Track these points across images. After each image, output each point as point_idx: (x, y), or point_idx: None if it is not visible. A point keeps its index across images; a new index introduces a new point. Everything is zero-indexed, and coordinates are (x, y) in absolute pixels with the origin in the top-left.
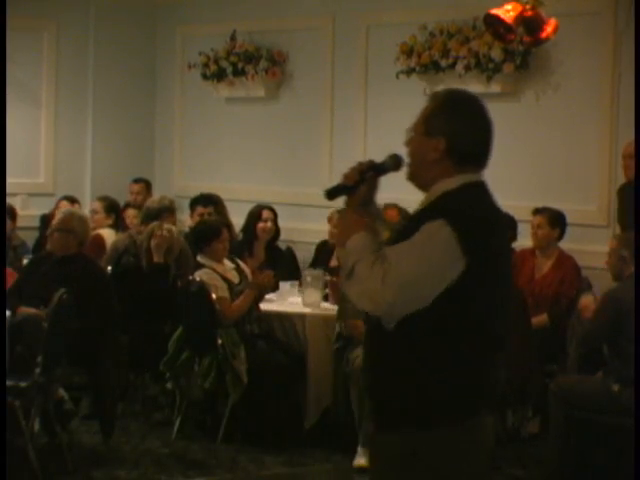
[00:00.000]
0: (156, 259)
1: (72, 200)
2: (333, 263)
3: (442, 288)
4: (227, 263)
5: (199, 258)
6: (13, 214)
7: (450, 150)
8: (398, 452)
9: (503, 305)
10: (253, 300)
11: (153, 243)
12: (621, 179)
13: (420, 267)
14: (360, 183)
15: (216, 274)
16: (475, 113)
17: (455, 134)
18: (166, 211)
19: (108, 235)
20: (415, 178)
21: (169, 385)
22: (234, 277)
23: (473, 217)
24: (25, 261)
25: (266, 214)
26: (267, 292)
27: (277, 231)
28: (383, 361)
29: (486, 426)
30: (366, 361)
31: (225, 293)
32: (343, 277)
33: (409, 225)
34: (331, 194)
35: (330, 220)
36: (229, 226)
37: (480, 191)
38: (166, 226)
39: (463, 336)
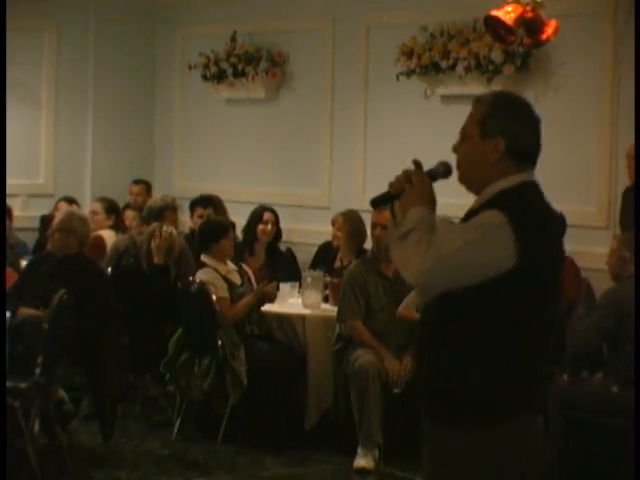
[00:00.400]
0: (156, 260)
1: (70, 201)
2: (337, 264)
3: (485, 276)
4: (230, 264)
5: (203, 257)
6: (10, 213)
7: (509, 150)
8: (459, 447)
9: (553, 304)
10: (252, 305)
11: (153, 244)
12: (622, 180)
13: (465, 247)
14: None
15: (217, 274)
16: (528, 112)
17: (513, 134)
18: (168, 209)
19: (108, 236)
20: (469, 180)
21: (171, 388)
22: (236, 279)
23: (531, 214)
24: (23, 261)
25: (267, 216)
26: (267, 302)
27: (279, 233)
28: (444, 355)
29: (539, 423)
30: (423, 356)
31: (225, 294)
32: (395, 237)
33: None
34: (376, 203)
35: (334, 223)
36: (234, 225)
37: (536, 190)
38: (166, 227)
39: (520, 330)
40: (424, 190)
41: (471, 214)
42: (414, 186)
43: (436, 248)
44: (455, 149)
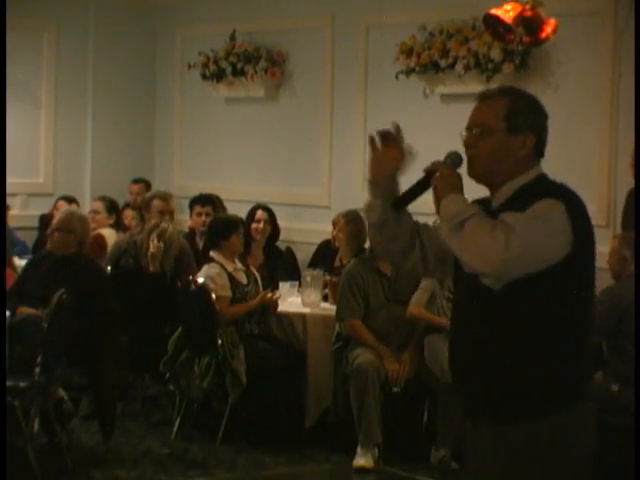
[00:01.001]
0: (152, 269)
1: (70, 200)
2: (336, 263)
3: (547, 265)
4: (237, 263)
5: (211, 253)
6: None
7: (537, 145)
8: (534, 440)
9: (594, 290)
10: (251, 310)
11: (149, 252)
12: (621, 179)
13: (538, 236)
14: (426, 184)
15: (223, 271)
16: (543, 107)
17: (540, 129)
18: (156, 197)
19: (109, 235)
20: (487, 175)
21: (171, 387)
22: (242, 278)
23: (580, 202)
24: (16, 258)
25: (259, 215)
26: (270, 312)
27: (275, 231)
28: (506, 347)
29: (594, 409)
30: (481, 349)
31: (225, 292)
32: (448, 228)
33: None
34: (400, 205)
35: (335, 224)
36: (243, 222)
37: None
38: (163, 225)
39: (575, 317)
40: (454, 177)
41: (504, 207)
42: (443, 175)
43: (519, 236)
44: (471, 144)
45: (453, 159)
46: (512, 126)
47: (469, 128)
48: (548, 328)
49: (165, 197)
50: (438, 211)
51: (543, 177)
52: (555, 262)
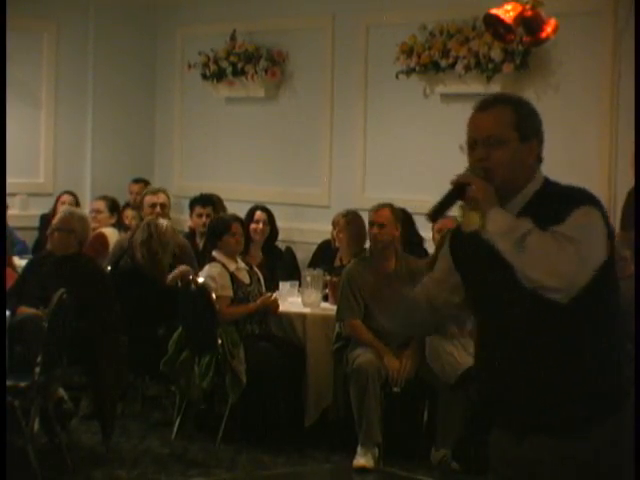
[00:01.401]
0: (138, 256)
1: (72, 194)
2: (336, 263)
3: (598, 269)
4: (240, 263)
5: (214, 253)
6: None
7: (540, 151)
8: (598, 444)
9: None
10: (251, 313)
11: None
12: (621, 180)
13: (593, 245)
14: (458, 196)
15: (225, 270)
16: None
17: (542, 134)
18: (150, 191)
19: (111, 234)
20: (506, 186)
21: (173, 388)
22: (244, 277)
23: (602, 204)
24: (16, 258)
25: (258, 215)
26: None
27: (274, 232)
28: (567, 356)
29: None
30: (539, 361)
31: (226, 292)
32: (508, 244)
33: None
34: (436, 215)
35: (335, 225)
36: (241, 221)
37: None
38: (161, 221)
39: (618, 318)
40: (490, 189)
41: (521, 216)
42: (481, 188)
43: (584, 247)
44: (486, 157)
45: (477, 172)
46: (522, 134)
47: (476, 141)
48: (601, 332)
49: (155, 191)
50: (464, 222)
51: (548, 180)
52: (599, 269)
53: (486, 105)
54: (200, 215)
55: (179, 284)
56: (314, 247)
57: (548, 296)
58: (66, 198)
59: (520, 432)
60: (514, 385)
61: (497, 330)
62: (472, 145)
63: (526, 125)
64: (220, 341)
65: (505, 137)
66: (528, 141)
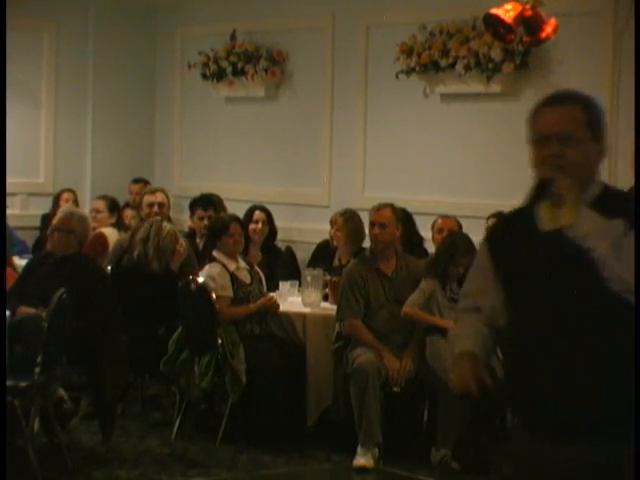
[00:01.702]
0: (136, 252)
1: (72, 192)
2: (335, 263)
3: None
4: (241, 262)
5: (214, 253)
6: None
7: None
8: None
9: None
10: (251, 314)
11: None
12: (622, 180)
13: None
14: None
15: (225, 270)
16: None
17: (607, 136)
18: (148, 191)
19: (111, 234)
20: (580, 183)
21: (173, 388)
22: (245, 277)
23: None
24: (16, 258)
25: (257, 215)
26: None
27: (272, 231)
28: (625, 361)
29: None
30: (595, 357)
31: (226, 292)
32: (608, 244)
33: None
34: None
35: (333, 223)
36: (240, 221)
37: None
38: (165, 224)
39: None
40: (577, 186)
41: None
42: (567, 185)
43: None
44: (560, 154)
45: (552, 168)
46: (595, 134)
47: (545, 137)
48: None
49: (153, 190)
50: (546, 218)
51: (605, 183)
52: None
53: (555, 101)
54: (201, 218)
55: (179, 283)
56: (314, 247)
57: (631, 299)
58: (68, 196)
59: (557, 439)
60: (571, 388)
61: (550, 332)
62: (540, 141)
63: (597, 125)
64: (220, 341)
65: (579, 135)
66: (599, 142)
